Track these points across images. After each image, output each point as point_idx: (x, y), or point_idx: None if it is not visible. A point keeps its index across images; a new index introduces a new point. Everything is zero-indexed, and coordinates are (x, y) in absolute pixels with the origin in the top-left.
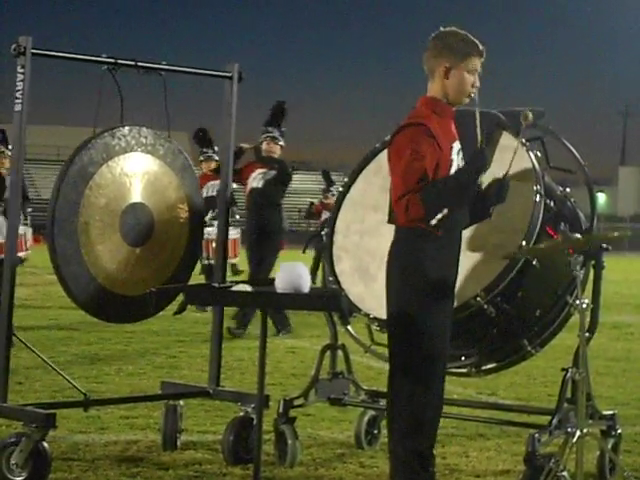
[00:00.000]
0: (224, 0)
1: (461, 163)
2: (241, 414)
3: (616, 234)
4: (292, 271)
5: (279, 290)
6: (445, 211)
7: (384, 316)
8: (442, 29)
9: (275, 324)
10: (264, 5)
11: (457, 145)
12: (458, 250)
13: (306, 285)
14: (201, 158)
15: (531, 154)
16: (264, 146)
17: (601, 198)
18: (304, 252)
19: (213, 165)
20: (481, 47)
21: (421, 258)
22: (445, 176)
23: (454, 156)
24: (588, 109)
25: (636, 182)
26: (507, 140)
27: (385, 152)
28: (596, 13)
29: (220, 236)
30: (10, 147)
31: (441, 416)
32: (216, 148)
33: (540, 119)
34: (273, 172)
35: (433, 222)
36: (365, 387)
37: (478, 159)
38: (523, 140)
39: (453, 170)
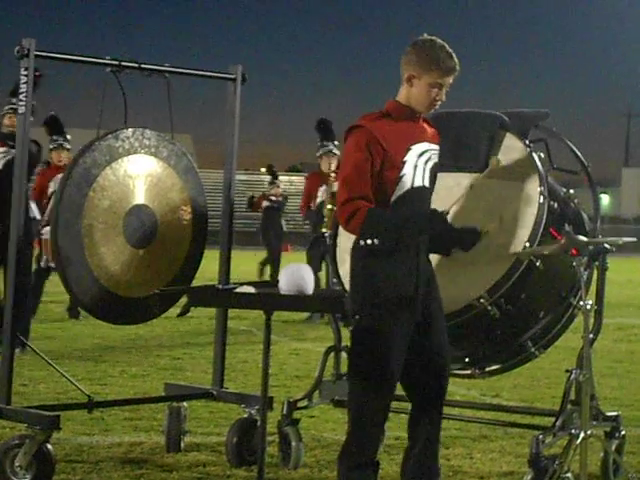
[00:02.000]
0: (228, 3)
1: (428, 165)
2: (245, 416)
3: (621, 242)
4: (296, 273)
5: (283, 291)
6: (376, 241)
7: None
8: (421, 37)
9: None
10: (268, 8)
11: (421, 147)
12: (419, 261)
13: (310, 287)
14: (51, 146)
15: (535, 155)
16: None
17: (605, 199)
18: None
19: (64, 155)
20: (450, 65)
21: (370, 273)
22: (397, 186)
23: (409, 157)
24: (592, 110)
25: (639, 183)
26: (510, 141)
27: None
28: (600, 15)
29: (224, 237)
30: (68, 137)
31: (380, 433)
32: (69, 136)
33: (544, 121)
34: None
35: (361, 243)
36: None
37: (437, 224)
38: (526, 141)
39: (406, 171)
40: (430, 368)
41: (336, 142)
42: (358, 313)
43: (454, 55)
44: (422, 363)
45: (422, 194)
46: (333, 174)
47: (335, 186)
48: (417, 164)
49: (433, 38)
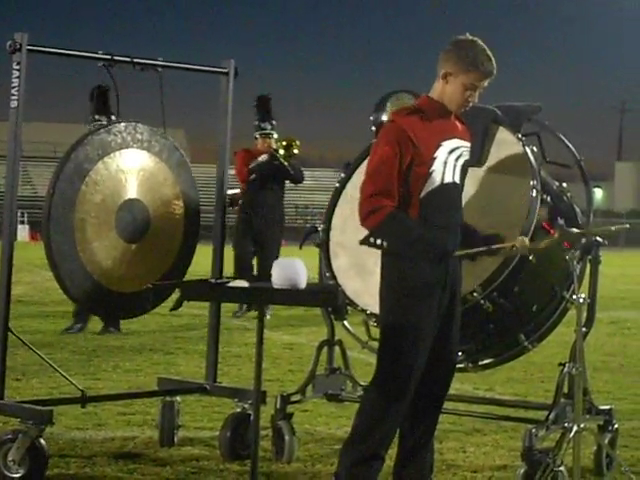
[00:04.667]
0: None
1: (459, 162)
2: (238, 410)
3: (614, 228)
4: (289, 267)
5: (276, 286)
6: (385, 243)
7: None
8: (463, 37)
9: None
10: (262, 2)
11: (452, 144)
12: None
13: (303, 281)
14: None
15: (527, 149)
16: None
17: (598, 193)
18: (300, 248)
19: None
20: (489, 68)
21: (402, 268)
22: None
23: (439, 154)
24: (585, 104)
25: (633, 178)
26: (503, 135)
27: None
28: (593, 9)
29: (217, 231)
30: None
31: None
32: (274, 122)
33: (537, 114)
34: None
35: (371, 240)
36: (362, 383)
37: (439, 244)
38: (519, 135)
39: (435, 167)
40: (441, 363)
41: (274, 122)
42: (388, 308)
43: (493, 59)
44: (436, 357)
45: (452, 190)
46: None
47: None
48: (447, 160)
49: (475, 39)
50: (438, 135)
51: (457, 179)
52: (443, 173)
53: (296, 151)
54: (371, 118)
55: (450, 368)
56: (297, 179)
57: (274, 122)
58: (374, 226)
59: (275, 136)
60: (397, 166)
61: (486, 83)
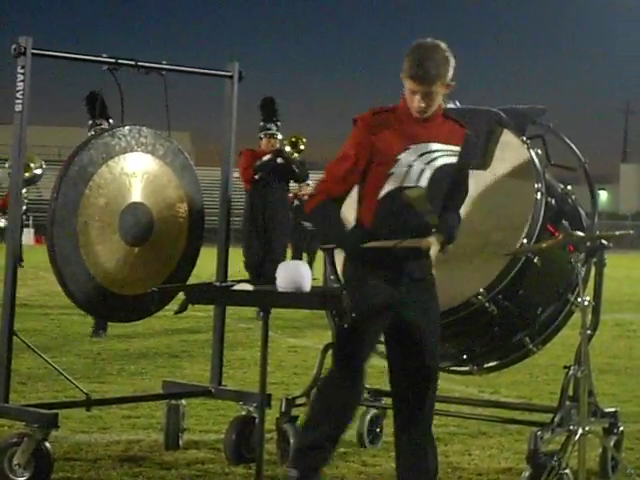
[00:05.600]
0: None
1: (430, 166)
2: (243, 413)
3: (618, 233)
4: (293, 270)
5: (280, 289)
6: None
7: None
8: (416, 41)
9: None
10: (265, 4)
11: (424, 148)
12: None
13: (307, 284)
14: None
15: (532, 152)
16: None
17: (602, 196)
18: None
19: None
20: (417, 73)
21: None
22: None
23: (404, 157)
24: (589, 106)
25: (637, 180)
26: (508, 137)
27: None
28: (597, 11)
29: (221, 234)
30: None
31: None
32: (279, 123)
33: (541, 117)
34: None
35: (305, 223)
36: (367, 386)
37: (349, 239)
38: (524, 138)
39: (396, 169)
40: (412, 375)
41: (279, 123)
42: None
43: (427, 63)
44: (405, 370)
45: None
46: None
47: None
48: (413, 164)
49: (422, 43)
50: (407, 138)
51: (423, 183)
52: (404, 176)
53: (302, 147)
54: None
55: (421, 381)
56: (302, 177)
57: (279, 123)
58: (308, 210)
59: (279, 137)
60: (353, 164)
61: (425, 89)
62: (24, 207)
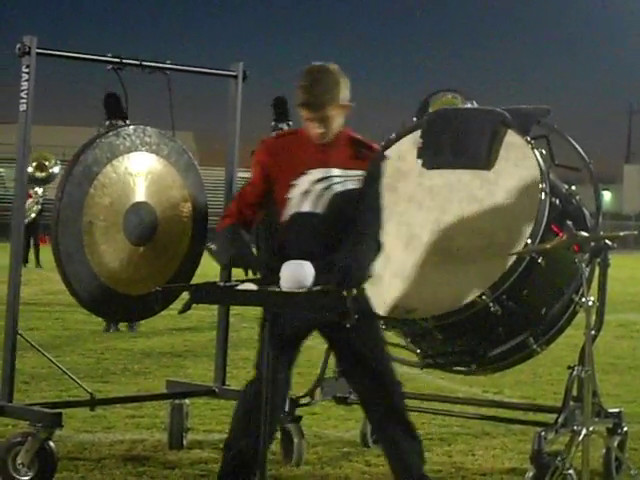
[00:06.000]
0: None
1: (328, 192)
2: None
3: (622, 233)
4: (297, 269)
5: (284, 288)
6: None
7: (388, 314)
8: (310, 65)
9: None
10: (269, 4)
11: (321, 173)
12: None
13: (311, 284)
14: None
15: (536, 152)
16: None
17: (606, 196)
18: None
19: None
20: (300, 99)
21: None
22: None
23: (300, 182)
24: (593, 107)
25: None
26: (512, 138)
27: (391, 151)
28: (601, 11)
29: None
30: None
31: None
32: (290, 123)
33: (545, 117)
34: None
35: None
36: None
37: (244, 259)
38: (528, 138)
39: (293, 195)
40: (368, 384)
41: (291, 122)
42: None
43: (320, 89)
44: (361, 382)
45: (308, 220)
46: None
47: None
48: (310, 189)
49: (309, 68)
50: (304, 163)
51: (319, 209)
52: (301, 201)
53: None
54: (414, 119)
55: (378, 380)
56: None
57: (290, 123)
58: (217, 231)
59: None
60: (256, 187)
61: (312, 115)
62: (39, 207)
